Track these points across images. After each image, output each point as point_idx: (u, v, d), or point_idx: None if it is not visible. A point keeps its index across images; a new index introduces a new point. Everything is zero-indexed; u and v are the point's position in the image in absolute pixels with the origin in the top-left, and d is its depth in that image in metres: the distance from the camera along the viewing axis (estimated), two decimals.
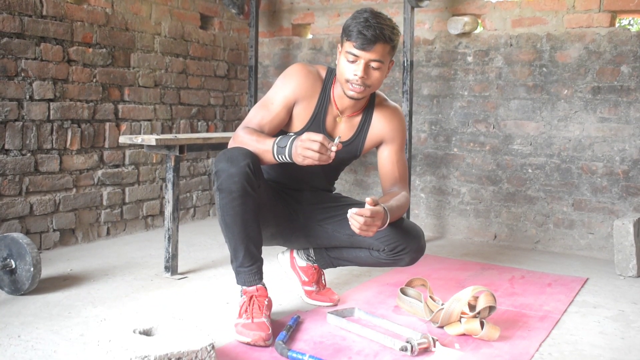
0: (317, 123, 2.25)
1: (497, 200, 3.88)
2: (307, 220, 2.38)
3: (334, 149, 1.96)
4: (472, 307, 2.18)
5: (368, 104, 2.31)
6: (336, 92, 2.25)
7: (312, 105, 2.24)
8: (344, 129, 2.30)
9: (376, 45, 2.07)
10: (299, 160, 1.99)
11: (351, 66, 2.11)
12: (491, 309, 2.17)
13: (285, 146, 2.03)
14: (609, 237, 3.52)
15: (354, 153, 2.34)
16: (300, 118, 2.25)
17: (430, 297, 2.37)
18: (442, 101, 4.03)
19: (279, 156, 2.05)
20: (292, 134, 2.06)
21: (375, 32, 2.05)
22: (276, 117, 2.21)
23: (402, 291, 2.50)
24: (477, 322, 2.14)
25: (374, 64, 2.10)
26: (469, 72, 3.93)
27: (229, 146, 2.15)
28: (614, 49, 3.50)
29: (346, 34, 2.11)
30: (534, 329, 2.29)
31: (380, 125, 2.31)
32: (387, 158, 2.34)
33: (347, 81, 2.13)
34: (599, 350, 2.11)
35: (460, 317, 2.18)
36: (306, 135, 1.97)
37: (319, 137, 1.94)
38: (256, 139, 2.09)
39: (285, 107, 2.21)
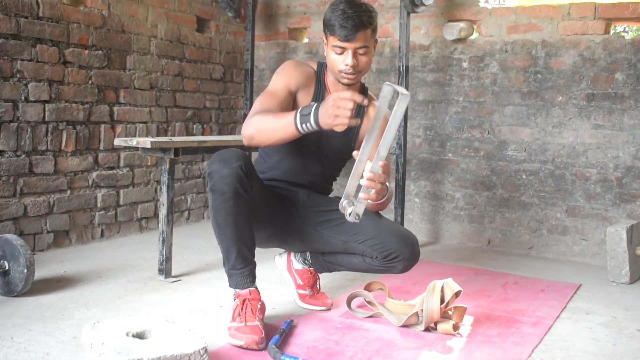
0: None
1: (491, 205, 3.89)
2: (303, 223, 2.38)
3: (365, 102, 1.91)
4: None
5: (361, 92, 2.39)
6: (329, 81, 2.36)
7: (310, 93, 2.34)
8: None
9: (358, 34, 2.16)
10: (329, 121, 1.90)
11: (340, 57, 2.20)
12: (457, 294, 2.25)
13: (310, 113, 1.96)
14: (602, 243, 3.53)
15: (348, 144, 2.37)
16: (303, 105, 2.28)
17: (390, 298, 2.45)
18: (437, 106, 4.04)
19: (303, 125, 1.97)
20: (313, 102, 2.10)
21: (355, 21, 2.14)
22: (284, 101, 2.24)
23: (355, 295, 2.52)
24: (449, 323, 2.24)
25: (360, 51, 2.20)
26: (464, 77, 3.95)
27: (244, 131, 2.11)
28: (608, 56, 3.52)
29: (328, 28, 2.20)
30: (526, 335, 2.29)
31: None
32: None
33: (340, 71, 2.22)
34: (590, 357, 2.12)
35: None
36: (335, 95, 1.90)
37: (347, 93, 1.89)
38: (273, 116, 2.07)
39: (289, 92, 2.27)
